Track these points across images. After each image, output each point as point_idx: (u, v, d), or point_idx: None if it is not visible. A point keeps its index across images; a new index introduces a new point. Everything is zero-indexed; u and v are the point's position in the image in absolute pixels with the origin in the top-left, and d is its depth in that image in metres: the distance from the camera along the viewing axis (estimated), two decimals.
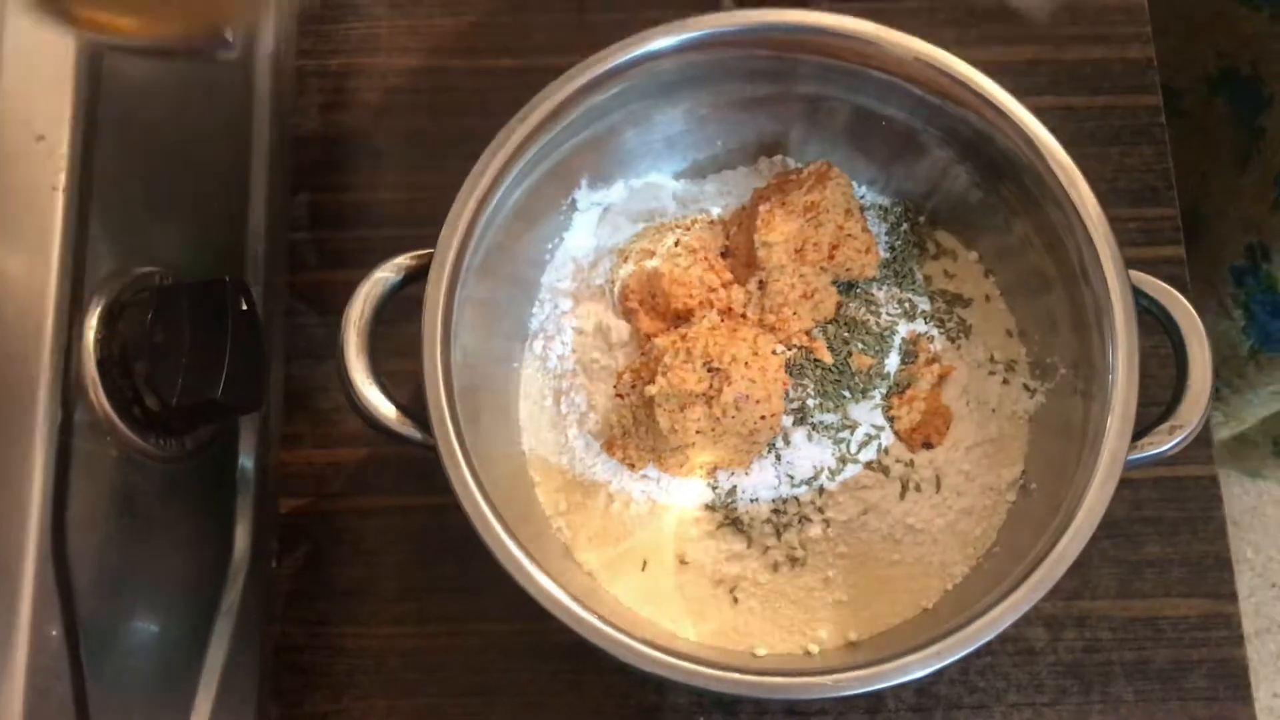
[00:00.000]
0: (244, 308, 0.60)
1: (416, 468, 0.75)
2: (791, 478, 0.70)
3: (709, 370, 0.66)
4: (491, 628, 0.74)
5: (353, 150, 0.83)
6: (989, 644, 0.73)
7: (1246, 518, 1.80)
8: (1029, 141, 0.66)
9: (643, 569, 0.70)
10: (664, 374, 0.66)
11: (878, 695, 0.73)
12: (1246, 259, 0.99)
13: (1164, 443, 0.62)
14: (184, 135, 0.65)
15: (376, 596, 0.75)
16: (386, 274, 0.65)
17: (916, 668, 0.59)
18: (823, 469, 0.70)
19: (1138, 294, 0.64)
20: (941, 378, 0.72)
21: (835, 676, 0.58)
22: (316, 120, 0.84)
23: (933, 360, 0.72)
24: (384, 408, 0.63)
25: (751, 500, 0.70)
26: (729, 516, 0.70)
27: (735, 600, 0.69)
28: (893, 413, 0.71)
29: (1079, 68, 0.84)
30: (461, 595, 0.75)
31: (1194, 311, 0.64)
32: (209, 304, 0.59)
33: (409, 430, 0.63)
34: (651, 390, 0.66)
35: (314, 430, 0.78)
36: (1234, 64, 1.01)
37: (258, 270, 0.70)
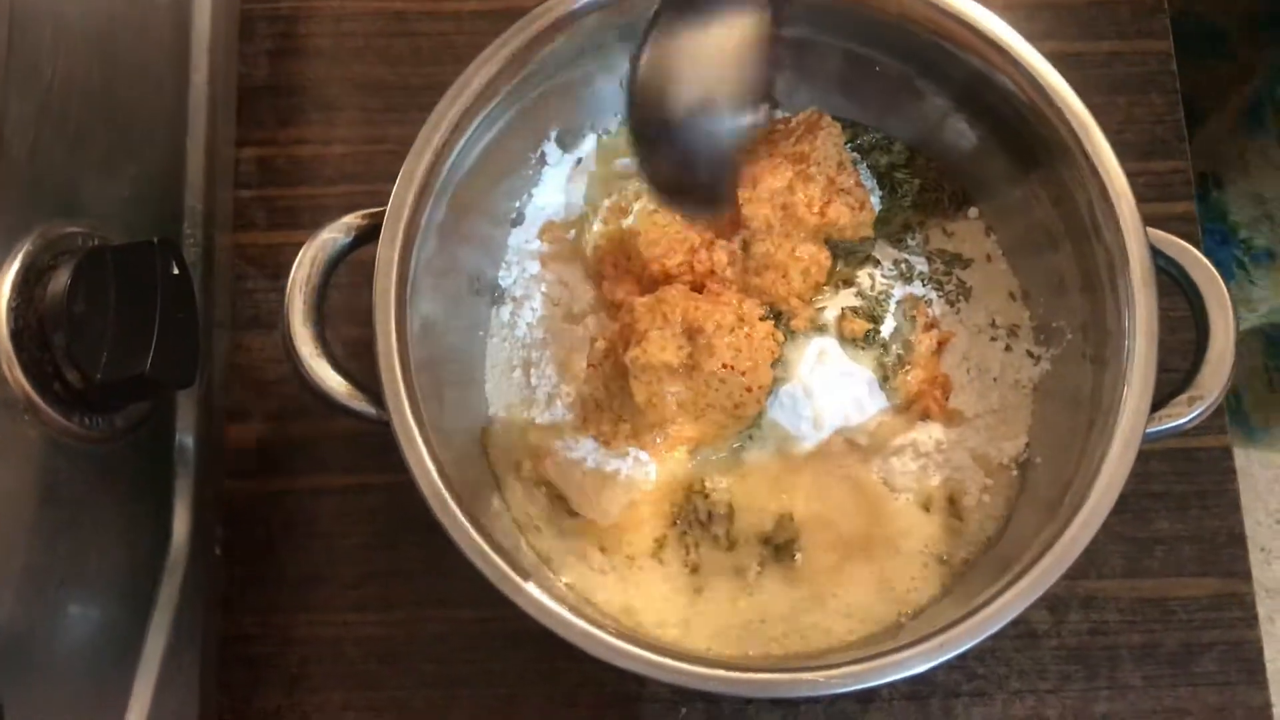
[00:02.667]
0: (175, 272, 0.54)
1: (375, 443, 0.69)
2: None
3: (689, 338, 0.61)
4: (456, 614, 0.69)
5: (305, 100, 0.77)
6: None
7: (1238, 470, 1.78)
8: (1037, 86, 0.61)
9: (619, 551, 0.65)
10: (639, 343, 0.61)
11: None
12: (1198, 187, 0.95)
13: (1183, 414, 0.58)
14: (111, 80, 0.59)
15: (332, 582, 0.70)
16: (335, 235, 0.59)
17: (916, 662, 0.54)
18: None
19: (1155, 253, 0.59)
20: (941, 344, 0.67)
21: (826, 673, 0.53)
22: (265, 68, 0.77)
23: (931, 325, 0.67)
24: (333, 381, 0.58)
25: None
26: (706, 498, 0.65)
27: (713, 585, 0.64)
28: (891, 384, 0.66)
29: (1084, 11, 0.79)
30: (424, 579, 0.69)
31: (1216, 273, 0.59)
32: (136, 268, 0.53)
33: (361, 406, 0.58)
34: (625, 360, 0.61)
35: (263, 404, 0.72)
36: None
37: (196, 229, 0.64)
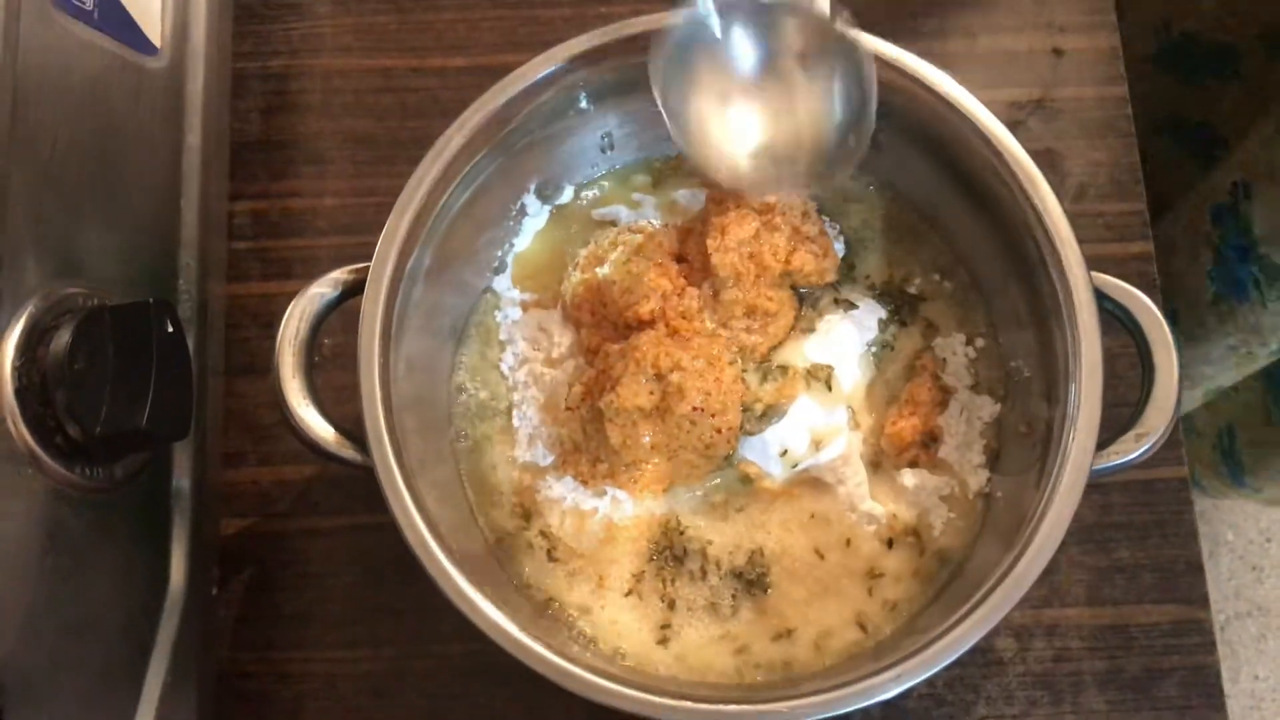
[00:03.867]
0: (170, 330, 0.57)
1: (366, 484, 0.72)
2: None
3: (660, 382, 0.64)
4: (445, 649, 0.72)
5: (296, 155, 0.80)
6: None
7: (1227, 501, 1.79)
8: (985, 138, 0.64)
9: (599, 586, 0.68)
10: (613, 388, 0.64)
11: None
12: (1229, 196, 0.96)
13: (1130, 451, 0.60)
14: (108, 146, 0.62)
15: (325, 620, 0.72)
16: (323, 290, 0.62)
17: (876, 691, 0.57)
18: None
19: (1102, 297, 0.62)
20: (945, 395, 0.69)
21: (792, 703, 0.56)
22: (258, 125, 0.81)
23: (935, 378, 0.69)
24: (321, 430, 0.61)
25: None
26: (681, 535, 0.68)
27: (688, 619, 0.67)
28: (884, 432, 0.69)
29: (1044, 59, 0.82)
30: (413, 616, 0.72)
31: (1160, 315, 0.62)
32: (133, 328, 0.57)
33: (348, 453, 0.61)
34: (600, 405, 0.64)
35: (257, 447, 0.75)
36: None
37: (191, 284, 0.68)
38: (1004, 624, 0.72)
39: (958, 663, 0.71)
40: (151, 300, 0.57)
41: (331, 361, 0.76)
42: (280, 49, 0.82)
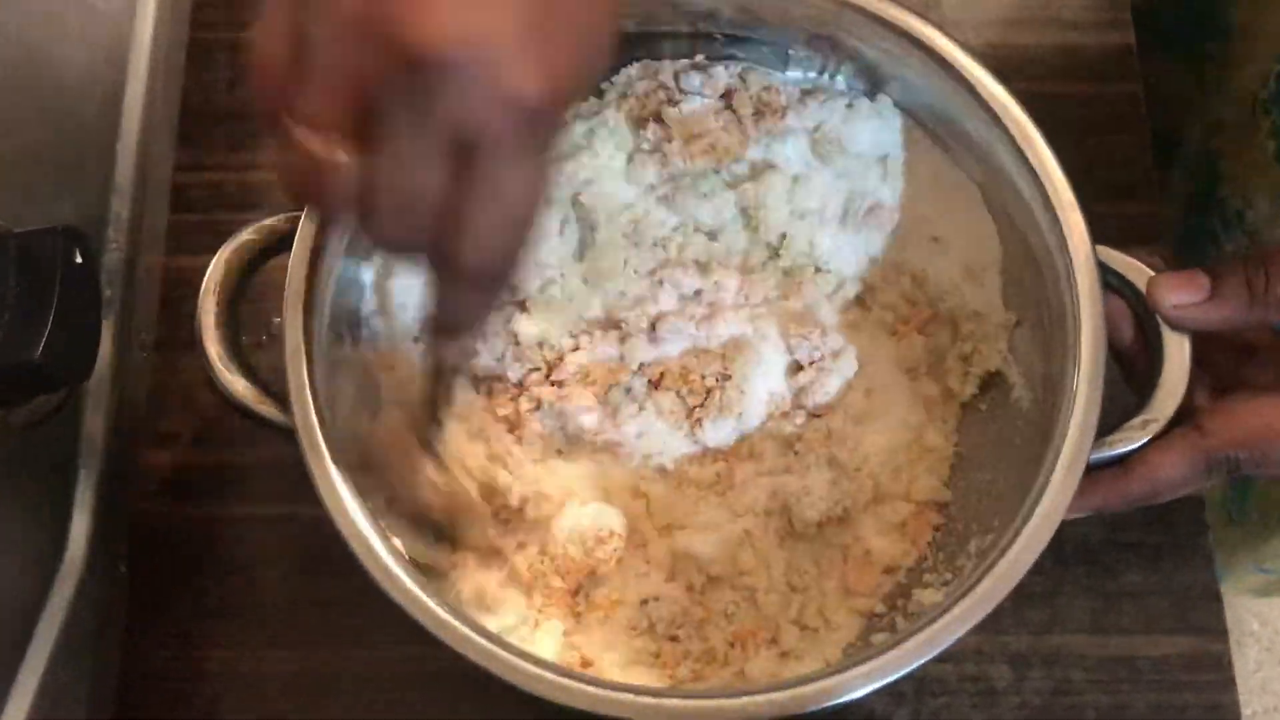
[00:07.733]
0: (78, 260, 0.52)
1: (303, 472, 0.68)
2: None
3: None
4: (384, 653, 0.65)
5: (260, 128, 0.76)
6: (946, 683, 0.66)
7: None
8: (984, 103, 0.59)
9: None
10: None
11: None
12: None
13: (1136, 438, 0.54)
14: (43, 74, 0.58)
15: (251, 614, 0.66)
16: (252, 237, 0.58)
17: (846, 690, 0.50)
18: None
19: (1106, 271, 0.56)
20: None
21: (751, 699, 0.49)
22: (223, 97, 0.77)
23: None
24: (240, 385, 0.56)
25: None
26: None
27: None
28: None
29: (1053, 53, 0.78)
30: (350, 614, 0.66)
31: None
32: (38, 256, 0.52)
33: (266, 409, 0.55)
34: None
35: (194, 428, 0.70)
36: None
37: (121, 236, 0.63)
38: (1000, 650, 0.67)
39: (945, 690, 0.66)
40: (61, 227, 0.52)
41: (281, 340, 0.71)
42: (251, 20, 0.79)
